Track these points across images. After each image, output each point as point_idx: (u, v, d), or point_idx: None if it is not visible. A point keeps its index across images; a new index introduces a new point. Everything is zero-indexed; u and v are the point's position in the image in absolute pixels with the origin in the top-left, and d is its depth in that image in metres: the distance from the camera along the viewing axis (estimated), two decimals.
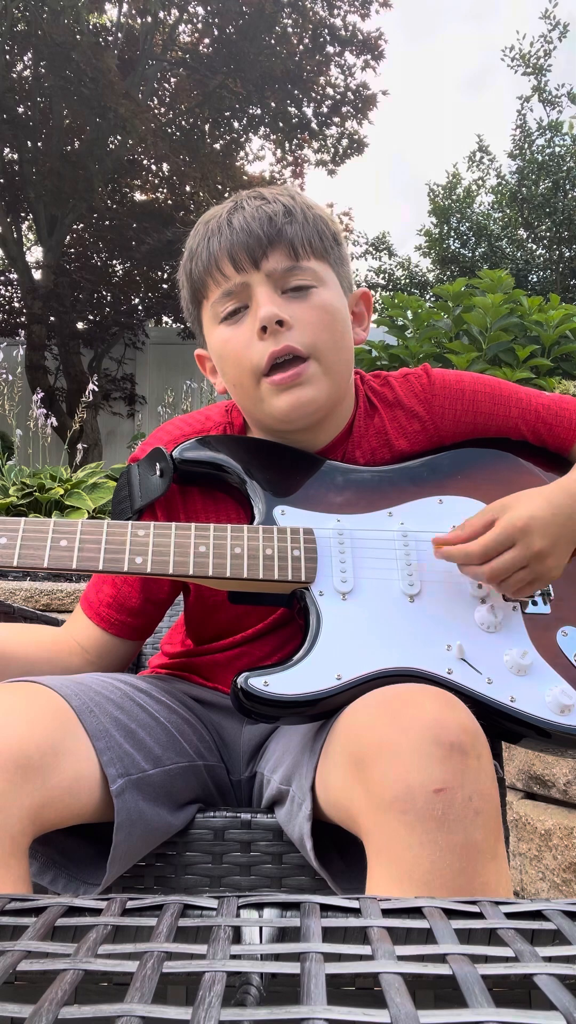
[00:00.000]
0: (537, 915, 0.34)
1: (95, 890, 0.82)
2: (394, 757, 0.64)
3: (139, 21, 9.92)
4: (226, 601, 0.91)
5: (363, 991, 0.34)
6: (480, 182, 12.48)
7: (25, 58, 9.65)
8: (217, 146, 10.86)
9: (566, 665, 0.86)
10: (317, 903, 0.34)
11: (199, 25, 10.36)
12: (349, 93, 10.76)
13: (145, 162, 10.69)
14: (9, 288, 11.04)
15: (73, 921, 0.33)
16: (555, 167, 10.95)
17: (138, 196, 11.22)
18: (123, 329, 10.22)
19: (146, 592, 0.99)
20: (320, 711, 0.80)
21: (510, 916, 0.34)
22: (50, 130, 9.65)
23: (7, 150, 9.83)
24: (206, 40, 10.30)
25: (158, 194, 11.17)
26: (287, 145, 11.31)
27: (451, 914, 0.34)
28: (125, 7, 9.92)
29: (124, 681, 0.93)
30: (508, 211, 11.71)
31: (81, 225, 10.68)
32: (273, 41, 9.88)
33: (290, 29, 10.11)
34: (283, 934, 0.33)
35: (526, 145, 11.41)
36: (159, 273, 10.93)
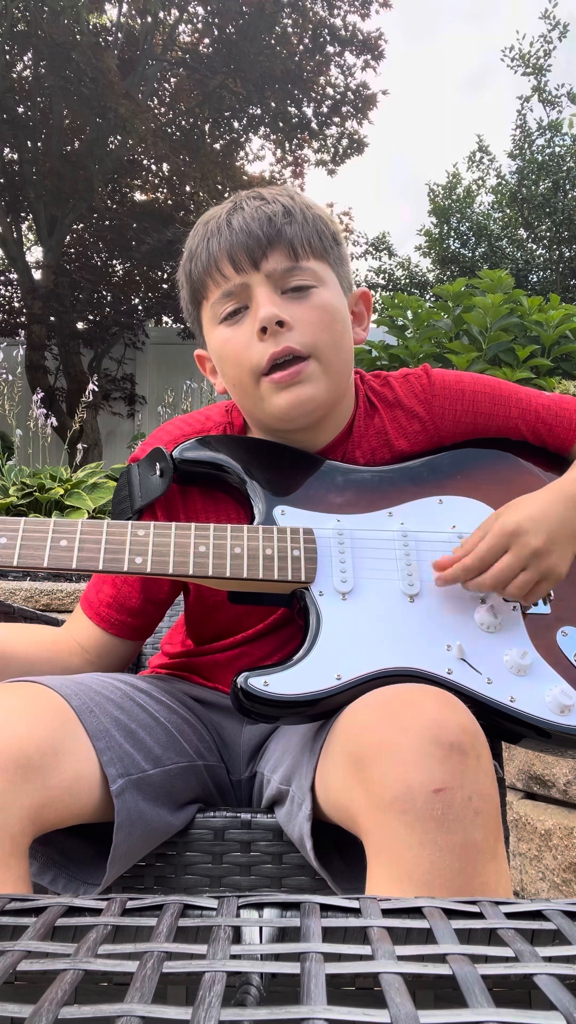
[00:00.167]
0: (537, 915, 0.34)
1: (95, 890, 0.82)
2: (394, 757, 0.64)
3: (139, 21, 9.92)
4: (226, 601, 0.91)
5: (363, 991, 0.34)
6: (480, 182, 12.49)
7: (25, 58, 9.65)
8: (217, 146, 10.86)
9: (566, 665, 0.86)
10: (317, 903, 0.34)
11: (199, 25, 10.36)
12: (349, 93, 10.76)
13: (145, 162, 10.69)
14: (9, 288, 11.04)
15: (73, 921, 0.33)
16: (555, 167, 10.95)
17: (138, 196, 11.22)
18: (123, 329, 10.22)
19: (146, 592, 0.99)
20: (320, 711, 0.80)
21: (510, 916, 0.34)
22: (50, 130, 9.65)
23: (7, 150, 9.83)
24: (206, 40, 10.30)
25: (158, 194, 11.17)
26: (287, 145, 11.31)
27: (451, 914, 0.34)
28: (125, 7, 9.93)
29: (124, 681, 0.93)
30: (508, 211, 11.71)
31: (81, 225, 10.68)
32: (273, 41, 9.88)
33: (290, 29, 10.11)
34: (283, 934, 0.33)
35: (526, 145, 11.41)
36: (159, 273, 10.93)
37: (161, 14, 9.64)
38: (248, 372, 0.92)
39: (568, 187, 10.86)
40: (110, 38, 10.00)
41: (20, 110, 9.67)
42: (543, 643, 0.87)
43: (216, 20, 9.92)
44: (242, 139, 11.20)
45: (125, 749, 0.83)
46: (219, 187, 10.32)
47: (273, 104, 10.45)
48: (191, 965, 0.29)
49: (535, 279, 11.28)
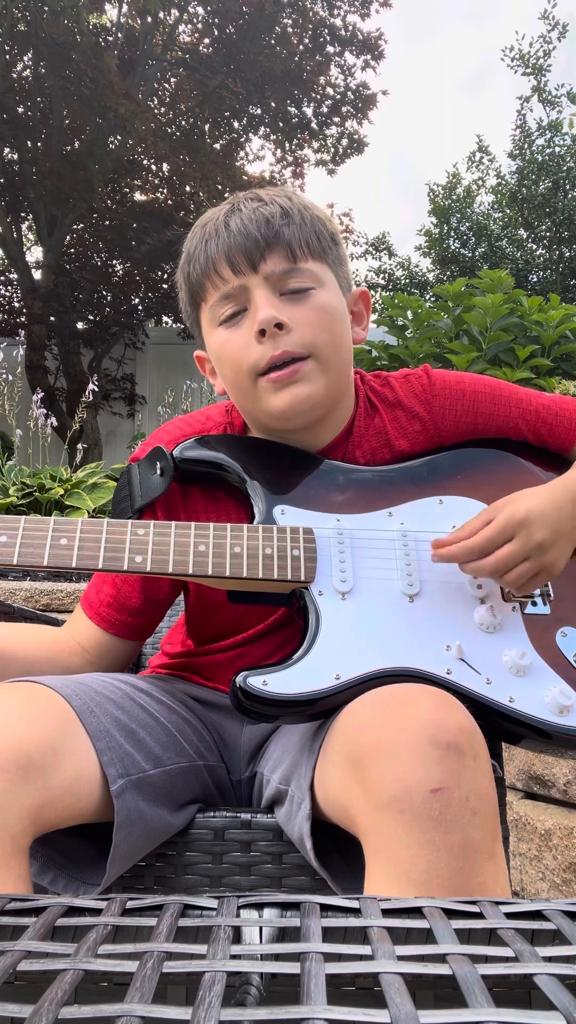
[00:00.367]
0: (537, 915, 0.34)
1: (95, 890, 0.82)
2: (392, 757, 0.64)
3: (139, 21, 9.92)
4: (226, 601, 0.91)
5: (363, 991, 0.34)
6: (480, 182, 12.49)
7: (25, 58, 9.65)
8: (217, 146, 10.86)
9: (565, 665, 0.86)
10: (317, 903, 0.34)
11: (199, 25, 10.36)
12: (349, 93, 10.76)
13: (145, 162, 10.69)
14: (9, 288, 11.04)
15: (73, 921, 0.33)
16: (555, 167, 10.95)
17: (138, 196, 11.22)
18: (123, 329, 10.22)
19: (146, 592, 0.99)
20: (319, 710, 0.80)
21: (510, 916, 0.34)
22: (50, 130, 9.65)
23: (7, 150, 9.83)
24: (206, 40, 10.30)
25: (158, 194, 11.17)
26: (287, 145, 11.31)
27: (451, 914, 0.34)
28: (125, 7, 9.93)
29: (124, 681, 0.93)
30: (508, 211, 11.71)
31: (81, 225, 10.68)
32: (273, 41, 9.88)
33: (290, 29, 10.11)
34: (283, 934, 0.33)
35: (526, 145, 11.41)
36: (159, 273, 10.93)
37: (161, 14, 9.64)
38: (246, 373, 0.92)
39: (568, 187, 10.86)
40: (110, 38, 9.99)
41: (20, 110, 9.67)
42: (542, 643, 0.87)
43: (216, 20, 9.92)
44: (242, 139, 11.20)
45: (125, 749, 0.83)
46: (219, 187, 10.31)
47: (273, 104, 10.45)
48: (191, 965, 0.29)
49: (535, 279, 11.28)
